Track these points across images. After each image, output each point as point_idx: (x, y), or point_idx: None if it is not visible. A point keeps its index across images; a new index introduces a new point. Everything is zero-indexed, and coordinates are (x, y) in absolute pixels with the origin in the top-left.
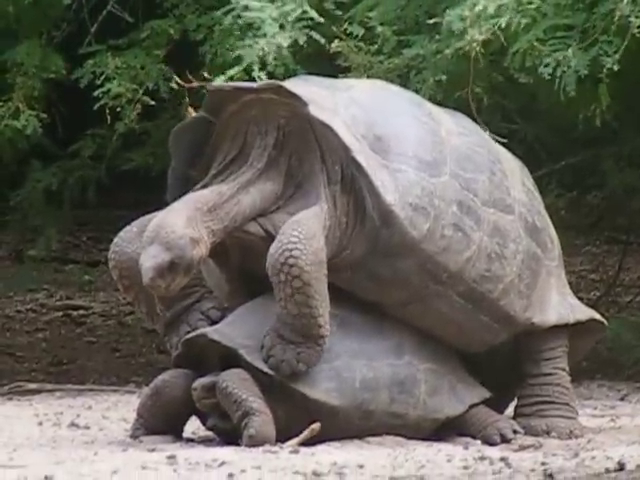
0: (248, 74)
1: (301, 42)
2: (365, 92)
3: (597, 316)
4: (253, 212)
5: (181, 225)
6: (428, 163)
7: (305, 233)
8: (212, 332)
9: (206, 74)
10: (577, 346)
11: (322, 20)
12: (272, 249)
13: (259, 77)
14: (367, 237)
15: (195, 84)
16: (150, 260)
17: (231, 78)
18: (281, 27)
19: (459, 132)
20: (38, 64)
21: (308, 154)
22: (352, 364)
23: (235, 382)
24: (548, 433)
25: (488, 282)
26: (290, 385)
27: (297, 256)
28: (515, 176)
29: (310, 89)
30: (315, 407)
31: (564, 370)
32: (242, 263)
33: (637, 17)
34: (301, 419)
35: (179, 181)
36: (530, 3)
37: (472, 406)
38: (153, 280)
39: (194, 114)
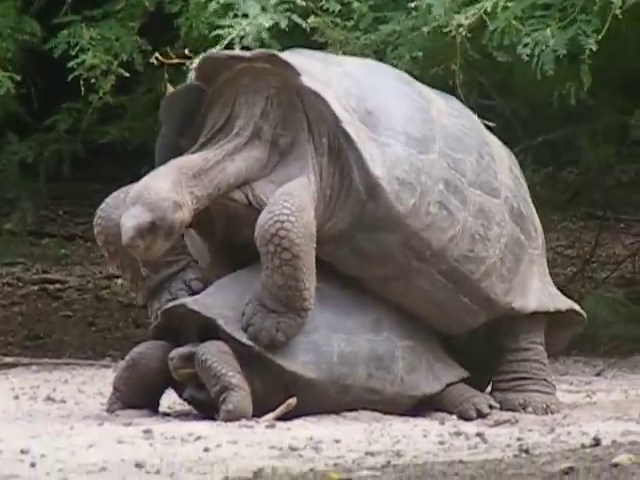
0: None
1: (283, 25)
2: (358, 67)
3: (577, 308)
4: (238, 180)
5: (166, 188)
6: (417, 140)
7: (297, 205)
8: (191, 302)
9: (187, 51)
10: (556, 337)
11: (304, 4)
12: (262, 219)
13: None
14: (351, 210)
15: (175, 61)
16: (131, 220)
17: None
18: (263, 9)
19: (449, 113)
20: (13, 26)
21: (294, 124)
22: (330, 338)
23: (214, 355)
24: (524, 407)
25: (470, 262)
26: (268, 357)
27: (288, 228)
28: (503, 162)
29: (304, 60)
30: (292, 380)
31: (542, 345)
32: (225, 232)
33: None
34: (278, 392)
35: (168, 149)
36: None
37: (449, 385)
38: (133, 240)
39: (171, 88)
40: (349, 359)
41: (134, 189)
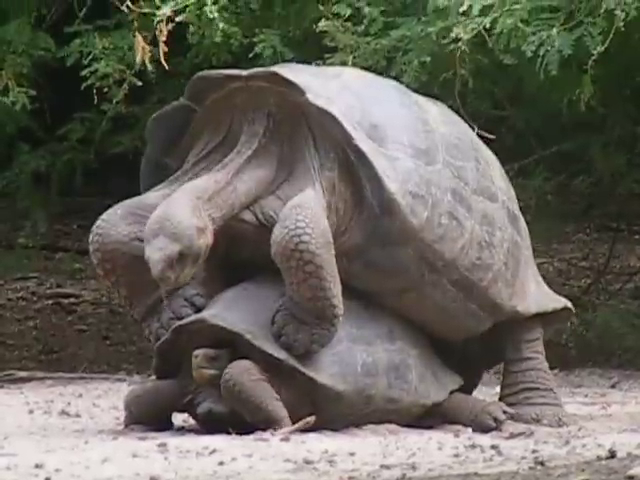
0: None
1: None
2: (354, 80)
3: (569, 304)
4: (249, 199)
5: (186, 215)
6: (423, 151)
7: (310, 216)
8: (212, 318)
9: (157, 1)
10: (545, 331)
11: None
12: (277, 236)
13: (210, 12)
14: (364, 225)
15: (147, 10)
16: (158, 252)
17: (182, 9)
18: None
19: (444, 121)
20: (27, 42)
21: (299, 141)
22: (352, 349)
23: (249, 384)
24: (538, 421)
25: (479, 270)
26: (298, 369)
27: (307, 241)
28: (494, 165)
29: (303, 77)
30: (321, 392)
31: (542, 355)
32: (227, 249)
33: (623, 10)
34: (304, 404)
35: (153, 168)
36: (516, 3)
37: (451, 392)
38: (163, 272)
39: (142, 42)
40: (371, 370)
41: (153, 220)
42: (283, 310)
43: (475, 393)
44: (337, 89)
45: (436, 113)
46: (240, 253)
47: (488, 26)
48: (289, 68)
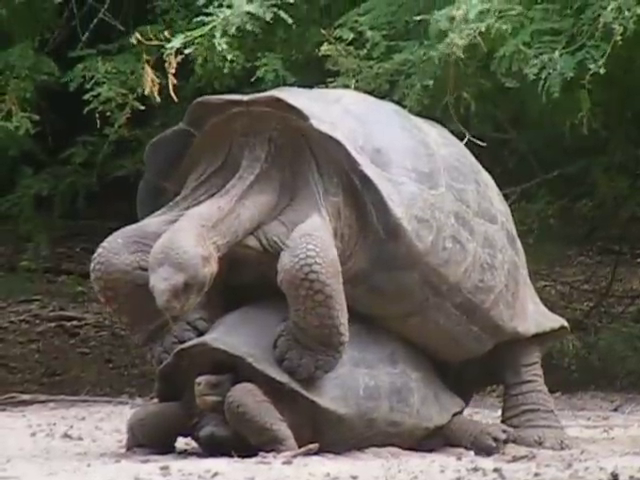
0: (209, 40)
1: (267, 18)
2: (355, 104)
3: (565, 323)
4: (253, 225)
5: (192, 244)
6: (426, 175)
7: (321, 245)
8: (214, 341)
9: (166, 33)
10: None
11: (291, 0)
12: (286, 264)
13: (219, 44)
14: (369, 250)
15: (155, 43)
16: (163, 282)
17: (191, 41)
18: (249, 2)
19: (443, 143)
20: (31, 66)
21: (302, 166)
22: (355, 372)
23: (252, 405)
24: (540, 444)
25: (482, 293)
26: (301, 393)
27: (317, 270)
28: (492, 186)
29: (304, 101)
30: (323, 416)
31: (541, 378)
32: (227, 274)
33: (620, 25)
34: (305, 427)
35: (151, 193)
36: (512, 9)
37: (454, 415)
38: (169, 302)
39: (151, 74)
40: (373, 393)
41: (158, 248)
42: (286, 335)
43: (478, 417)
44: (339, 114)
45: (435, 135)
46: (241, 277)
47: (483, 30)
48: (289, 92)
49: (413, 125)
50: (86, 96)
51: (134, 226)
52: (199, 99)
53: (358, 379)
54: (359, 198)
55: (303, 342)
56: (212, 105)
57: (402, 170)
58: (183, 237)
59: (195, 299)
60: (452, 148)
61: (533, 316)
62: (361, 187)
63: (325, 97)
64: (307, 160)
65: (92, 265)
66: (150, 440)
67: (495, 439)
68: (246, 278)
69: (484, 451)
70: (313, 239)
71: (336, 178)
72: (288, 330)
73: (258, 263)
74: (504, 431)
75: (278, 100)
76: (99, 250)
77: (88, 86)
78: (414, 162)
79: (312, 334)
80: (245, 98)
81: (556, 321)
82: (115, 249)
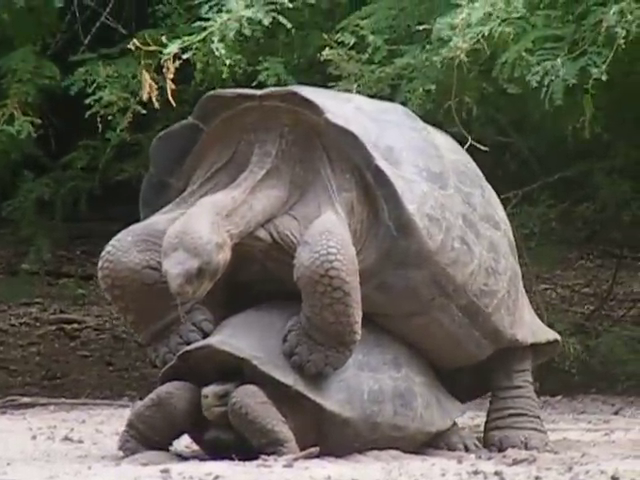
0: (207, 45)
1: (266, 23)
2: (366, 104)
3: (558, 337)
4: (265, 217)
5: (206, 231)
6: (437, 175)
7: (341, 242)
8: (219, 343)
9: (164, 39)
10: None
11: (290, 5)
12: (306, 260)
13: (217, 49)
14: (380, 246)
15: (152, 48)
16: (177, 267)
17: (189, 46)
18: (247, 7)
19: (450, 149)
20: (32, 70)
21: (313, 162)
22: (359, 376)
23: (255, 407)
24: (526, 445)
25: (485, 297)
26: (306, 395)
27: (338, 267)
28: (494, 195)
29: (319, 97)
30: (328, 419)
31: (532, 385)
32: (231, 271)
33: (623, 28)
34: (309, 430)
35: (155, 188)
36: (515, 11)
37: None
38: (182, 287)
39: (149, 79)
40: (377, 397)
41: (172, 233)
42: (296, 330)
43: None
44: (352, 111)
45: (442, 140)
46: (246, 274)
47: (486, 34)
48: (301, 89)
49: (422, 127)
50: (88, 100)
51: (143, 224)
52: (211, 92)
53: (362, 383)
54: (371, 194)
55: (315, 338)
56: (224, 99)
57: (414, 168)
58: (198, 223)
59: (208, 286)
60: (459, 155)
61: (530, 326)
62: (374, 182)
63: (337, 96)
64: (319, 156)
65: (100, 263)
66: (152, 437)
67: (465, 446)
68: (251, 275)
69: (450, 449)
70: (334, 236)
71: (348, 174)
72: (299, 325)
73: (266, 258)
74: (475, 445)
75: (293, 94)
76: (108, 248)
77: (90, 90)
78: (425, 162)
79: (326, 330)
80: (258, 92)
81: (551, 334)
82: (124, 247)
